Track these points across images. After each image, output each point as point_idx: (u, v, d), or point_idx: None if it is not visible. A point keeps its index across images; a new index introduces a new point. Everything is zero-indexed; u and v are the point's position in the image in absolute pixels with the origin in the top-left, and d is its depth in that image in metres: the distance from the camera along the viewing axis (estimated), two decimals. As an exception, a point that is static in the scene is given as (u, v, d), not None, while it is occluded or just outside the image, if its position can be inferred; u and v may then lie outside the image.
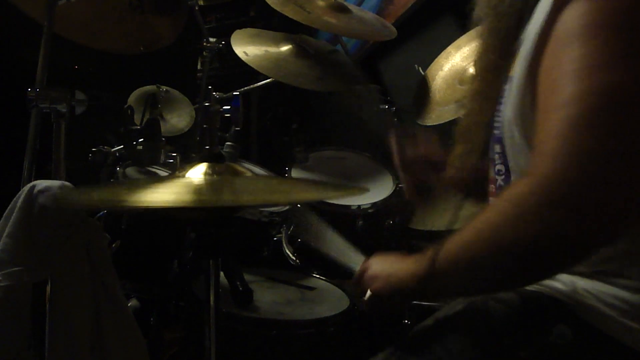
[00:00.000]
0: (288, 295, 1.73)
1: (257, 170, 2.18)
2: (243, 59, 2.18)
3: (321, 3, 2.19)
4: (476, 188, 1.13)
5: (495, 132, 1.03)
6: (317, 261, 1.93)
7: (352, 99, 2.29)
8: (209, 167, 1.02)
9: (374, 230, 1.97)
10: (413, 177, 1.33)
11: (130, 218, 1.81)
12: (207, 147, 1.74)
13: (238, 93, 1.87)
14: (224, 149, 1.95)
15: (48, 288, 1.23)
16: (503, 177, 1.04)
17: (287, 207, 1.97)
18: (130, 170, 1.86)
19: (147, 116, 2.06)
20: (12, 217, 1.23)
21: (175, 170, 1.07)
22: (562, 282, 0.91)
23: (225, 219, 1.04)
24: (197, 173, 1.01)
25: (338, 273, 1.90)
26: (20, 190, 1.26)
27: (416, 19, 2.81)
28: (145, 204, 0.97)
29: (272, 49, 2.28)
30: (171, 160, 1.90)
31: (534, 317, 0.93)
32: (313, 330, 1.60)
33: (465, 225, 0.86)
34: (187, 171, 1.02)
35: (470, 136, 1.04)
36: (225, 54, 2.61)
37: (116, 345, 1.29)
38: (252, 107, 2.94)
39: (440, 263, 0.87)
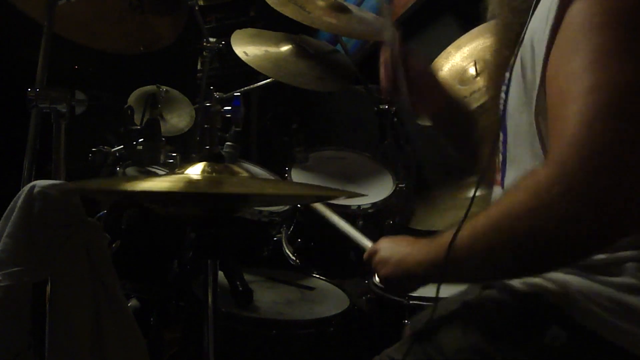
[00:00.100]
0: (288, 295, 1.73)
1: (257, 170, 2.17)
2: (243, 59, 2.19)
3: (321, 3, 2.19)
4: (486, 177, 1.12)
5: None
6: (317, 261, 1.93)
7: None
8: (207, 166, 1.02)
9: (374, 230, 1.96)
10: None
11: (130, 218, 1.81)
12: (207, 147, 1.74)
13: (239, 93, 1.87)
14: (224, 149, 1.95)
15: (48, 288, 1.23)
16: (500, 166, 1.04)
17: (287, 207, 1.97)
18: (130, 170, 1.86)
19: (147, 116, 2.06)
20: (12, 217, 1.23)
21: (175, 170, 1.08)
22: (556, 283, 0.91)
23: (225, 219, 1.04)
24: (196, 171, 1.02)
25: (338, 273, 1.92)
26: (20, 190, 1.26)
27: (416, 19, 2.81)
28: (141, 190, 0.98)
29: (272, 49, 2.28)
30: (171, 160, 1.91)
31: (528, 319, 0.93)
32: (313, 330, 1.60)
33: (479, 213, 0.86)
34: (185, 169, 1.03)
35: (492, 135, 1.04)
36: (225, 54, 2.61)
37: (116, 345, 1.29)
38: (252, 107, 2.94)
39: (453, 251, 0.87)
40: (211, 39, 2.55)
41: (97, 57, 2.48)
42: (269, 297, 1.69)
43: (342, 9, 2.22)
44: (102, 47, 2.07)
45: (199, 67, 3.01)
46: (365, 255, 1.14)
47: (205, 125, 1.99)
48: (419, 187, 2.31)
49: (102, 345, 1.27)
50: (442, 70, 2.17)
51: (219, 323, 1.05)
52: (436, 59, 2.21)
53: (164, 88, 2.51)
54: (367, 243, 1.33)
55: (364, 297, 1.79)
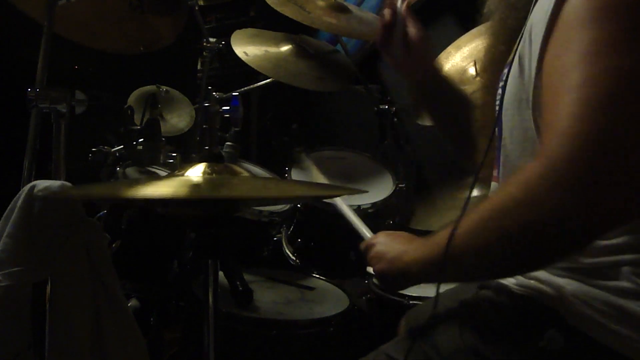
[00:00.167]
0: (288, 295, 1.73)
1: (257, 170, 2.18)
2: (243, 59, 2.19)
3: (321, 3, 2.19)
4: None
5: None
6: (317, 261, 1.93)
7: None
8: (207, 167, 1.02)
9: (374, 230, 1.96)
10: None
11: (130, 218, 1.81)
12: (207, 147, 1.74)
13: (237, 93, 1.87)
14: (224, 149, 1.95)
15: (48, 288, 1.23)
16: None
17: (287, 207, 1.97)
18: (130, 170, 1.86)
19: (147, 116, 2.06)
20: (12, 217, 1.23)
21: (175, 170, 1.08)
22: (551, 286, 0.91)
23: (225, 219, 1.04)
24: (196, 172, 1.02)
25: (338, 273, 1.91)
26: (20, 190, 1.26)
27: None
28: (142, 196, 0.98)
29: (272, 49, 2.29)
30: (171, 160, 1.91)
31: (525, 322, 0.92)
32: (313, 330, 1.60)
33: (472, 210, 0.85)
34: (185, 171, 1.02)
35: (489, 130, 1.03)
36: (225, 54, 2.61)
37: (116, 345, 1.29)
38: (252, 107, 2.94)
39: (449, 249, 0.86)
40: (211, 39, 2.55)
41: (97, 57, 2.48)
42: (269, 297, 1.69)
43: (342, 9, 2.22)
44: (102, 47, 2.07)
45: (199, 67, 3.02)
46: (362, 245, 1.14)
47: (205, 126, 1.99)
48: (419, 187, 2.31)
49: (102, 345, 1.27)
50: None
51: (219, 323, 1.05)
52: (436, 59, 2.21)
53: (164, 88, 2.51)
54: (367, 234, 1.33)
55: (364, 297, 1.79)
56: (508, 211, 0.79)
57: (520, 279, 0.96)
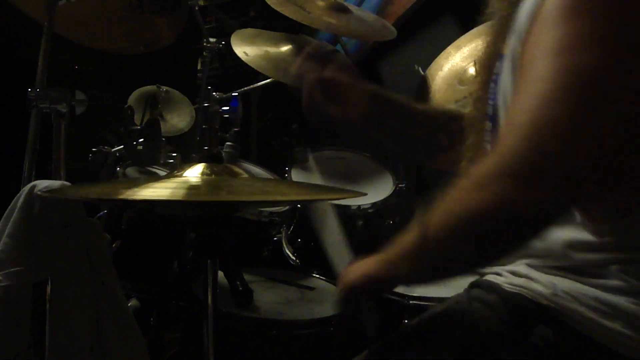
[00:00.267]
0: (288, 295, 1.73)
1: (257, 170, 2.18)
2: (243, 59, 2.19)
3: (321, 3, 2.19)
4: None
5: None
6: (317, 261, 1.93)
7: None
8: (206, 168, 1.02)
9: (374, 230, 1.96)
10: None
11: (130, 218, 1.81)
12: (207, 147, 1.74)
13: (237, 93, 1.87)
14: (224, 149, 1.95)
15: (48, 288, 1.23)
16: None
17: (287, 207, 1.97)
18: (130, 170, 1.86)
19: (147, 116, 2.06)
20: (12, 217, 1.23)
21: (175, 170, 1.08)
22: (543, 284, 0.91)
23: (224, 219, 1.04)
24: (195, 173, 1.02)
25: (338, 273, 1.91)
26: (20, 190, 1.26)
27: (416, 19, 2.81)
28: (141, 198, 0.98)
29: (272, 49, 2.29)
30: (171, 160, 1.91)
31: (515, 319, 0.92)
32: (313, 330, 1.60)
33: (434, 208, 0.86)
34: (185, 171, 1.03)
35: (480, 125, 1.04)
36: (225, 54, 2.61)
37: (116, 345, 1.29)
38: (252, 107, 2.94)
39: (411, 247, 0.88)
40: (211, 39, 2.55)
41: (97, 57, 2.48)
42: (269, 297, 1.69)
43: (342, 9, 2.22)
44: (102, 47, 2.07)
45: (199, 67, 3.02)
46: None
47: (205, 126, 1.99)
48: (419, 187, 2.31)
49: (102, 345, 1.27)
50: (442, 70, 2.17)
51: (219, 323, 1.05)
52: (436, 59, 2.21)
53: (164, 88, 2.51)
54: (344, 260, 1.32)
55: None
56: (459, 201, 0.81)
57: (510, 277, 0.97)
